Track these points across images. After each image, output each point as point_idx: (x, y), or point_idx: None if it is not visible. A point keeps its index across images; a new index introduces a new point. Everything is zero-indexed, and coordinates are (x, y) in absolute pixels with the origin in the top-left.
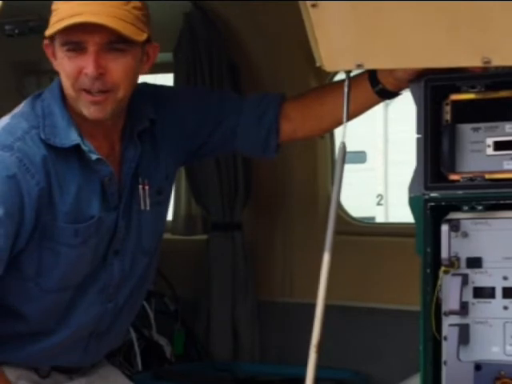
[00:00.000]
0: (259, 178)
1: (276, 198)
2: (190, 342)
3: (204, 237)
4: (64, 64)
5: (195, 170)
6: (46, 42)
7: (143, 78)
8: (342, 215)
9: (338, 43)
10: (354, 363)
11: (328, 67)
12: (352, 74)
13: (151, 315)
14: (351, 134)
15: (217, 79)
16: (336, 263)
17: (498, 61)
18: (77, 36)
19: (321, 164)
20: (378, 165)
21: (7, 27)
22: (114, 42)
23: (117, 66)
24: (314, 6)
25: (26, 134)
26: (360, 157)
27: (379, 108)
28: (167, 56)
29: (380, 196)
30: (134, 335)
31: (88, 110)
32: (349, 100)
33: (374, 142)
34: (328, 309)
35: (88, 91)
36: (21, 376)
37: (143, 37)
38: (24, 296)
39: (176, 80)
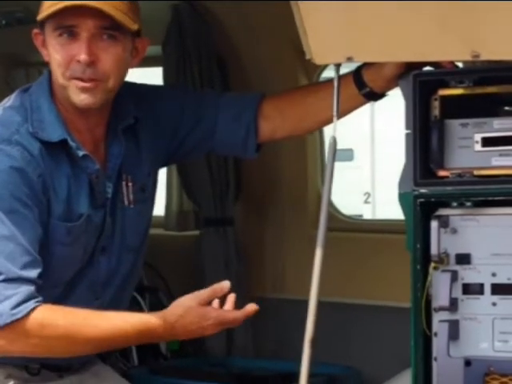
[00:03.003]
0: (249, 174)
1: (266, 195)
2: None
3: (196, 232)
4: (55, 51)
5: (186, 165)
6: (35, 30)
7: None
8: (332, 212)
9: (328, 36)
10: (346, 359)
11: (318, 60)
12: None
13: (146, 310)
14: (338, 131)
15: (206, 73)
16: (326, 259)
17: (487, 55)
18: (70, 20)
19: (310, 160)
20: (365, 163)
21: None
22: (107, 28)
23: (108, 55)
24: None
25: (21, 127)
26: (347, 155)
27: (366, 106)
28: (156, 49)
29: (367, 194)
30: None
31: (78, 97)
32: (338, 94)
33: (361, 140)
34: (319, 305)
35: (79, 79)
36: (10, 375)
37: (135, 27)
38: None
39: (165, 74)
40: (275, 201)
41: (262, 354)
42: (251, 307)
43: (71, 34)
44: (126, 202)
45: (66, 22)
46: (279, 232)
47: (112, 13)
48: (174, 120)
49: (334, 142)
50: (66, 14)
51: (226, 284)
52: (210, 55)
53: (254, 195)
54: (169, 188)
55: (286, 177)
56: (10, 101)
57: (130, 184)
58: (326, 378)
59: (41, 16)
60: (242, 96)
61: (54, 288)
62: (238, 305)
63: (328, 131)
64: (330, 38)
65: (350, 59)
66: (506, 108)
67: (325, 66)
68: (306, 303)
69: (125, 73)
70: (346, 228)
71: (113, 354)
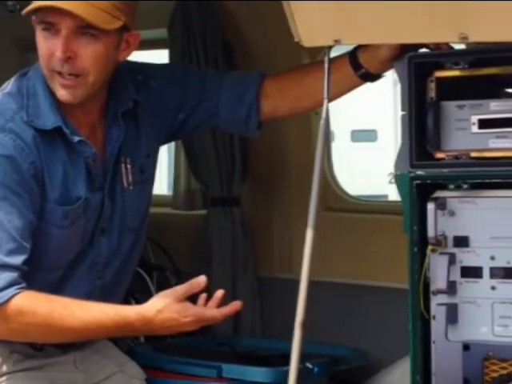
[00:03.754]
0: (256, 154)
1: (273, 175)
2: None
3: (204, 212)
4: (39, 44)
5: (193, 145)
6: (33, 17)
7: (138, 53)
8: (339, 192)
9: (315, 19)
10: (352, 340)
11: (306, 43)
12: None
13: (153, 289)
14: (362, 112)
15: (211, 56)
16: (333, 240)
17: (475, 37)
18: (50, 17)
19: (316, 140)
20: (388, 143)
21: (9, 3)
22: (86, 26)
23: (86, 52)
24: None
25: (16, 115)
26: (371, 135)
27: (388, 86)
28: (162, 32)
29: (392, 174)
30: None
31: (59, 92)
32: (329, 76)
33: (384, 120)
34: (326, 286)
35: (59, 73)
36: (15, 350)
37: (115, 25)
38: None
39: (171, 56)
40: (282, 181)
41: (269, 333)
42: (232, 307)
43: (53, 29)
44: (125, 184)
45: (47, 19)
46: (286, 212)
47: (85, 14)
48: (176, 99)
49: (325, 124)
50: (47, 10)
51: (202, 279)
52: (216, 37)
53: (261, 176)
54: (177, 168)
55: (293, 157)
56: (8, 86)
57: (128, 166)
58: (330, 359)
59: (23, 11)
60: (244, 75)
61: (55, 270)
62: (246, 285)
63: (333, 110)
64: (318, 20)
65: (337, 42)
66: (508, 90)
67: (331, 47)
68: (313, 284)
69: (109, 67)
70: (353, 209)
71: None
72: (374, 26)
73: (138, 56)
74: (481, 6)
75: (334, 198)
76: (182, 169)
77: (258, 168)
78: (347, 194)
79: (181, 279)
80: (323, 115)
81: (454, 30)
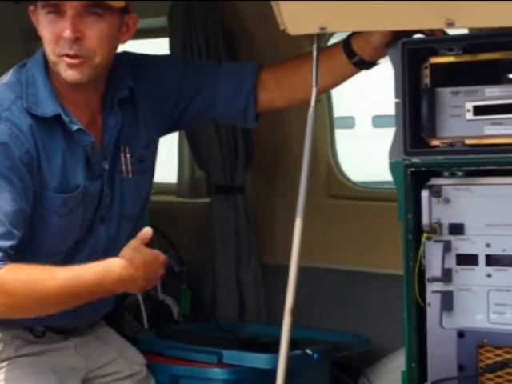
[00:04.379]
0: (259, 142)
1: (276, 163)
2: (197, 304)
3: (208, 200)
4: (44, 28)
5: (196, 134)
6: (31, 8)
7: (141, 44)
8: (342, 180)
9: (300, 6)
10: (355, 326)
11: (291, 31)
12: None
13: None
14: (384, 97)
15: (212, 44)
16: (337, 227)
17: (462, 23)
18: None
19: (319, 128)
20: None
21: None
22: (91, 5)
23: (93, 32)
24: None
25: (13, 105)
26: (390, 121)
27: None
28: (162, 21)
29: None
30: (140, 296)
31: (66, 73)
32: (317, 65)
33: None
34: (329, 273)
35: (67, 55)
36: (17, 335)
37: (120, 4)
38: (17, 261)
39: (171, 45)
40: (285, 169)
41: (274, 320)
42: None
43: (58, 11)
44: (125, 173)
45: (52, 0)
46: (289, 200)
47: None
48: (175, 89)
49: (313, 112)
50: None
51: (147, 229)
52: (216, 26)
53: (264, 164)
54: (181, 156)
55: (295, 145)
56: (6, 77)
57: (128, 155)
58: (331, 346)
59: None
60: (242, 65)
61: (54, 256)
62: (250, 272)
63: (336, 99)
64: (303, 8)
65: (323, 29)
66: (509, 76)
67: (331, 35)
68: (315, 270)
69: (113, 48)
70: (357, 196)
71: (126, 316)
72: (359, 13)
73: (139, 45)
74: None
75: (337, 185)
76: (186, 157)
77: (261, 156)
78: (351, 182)
79: (184, 267)
80: (312, 103)
81: (440, 16)
